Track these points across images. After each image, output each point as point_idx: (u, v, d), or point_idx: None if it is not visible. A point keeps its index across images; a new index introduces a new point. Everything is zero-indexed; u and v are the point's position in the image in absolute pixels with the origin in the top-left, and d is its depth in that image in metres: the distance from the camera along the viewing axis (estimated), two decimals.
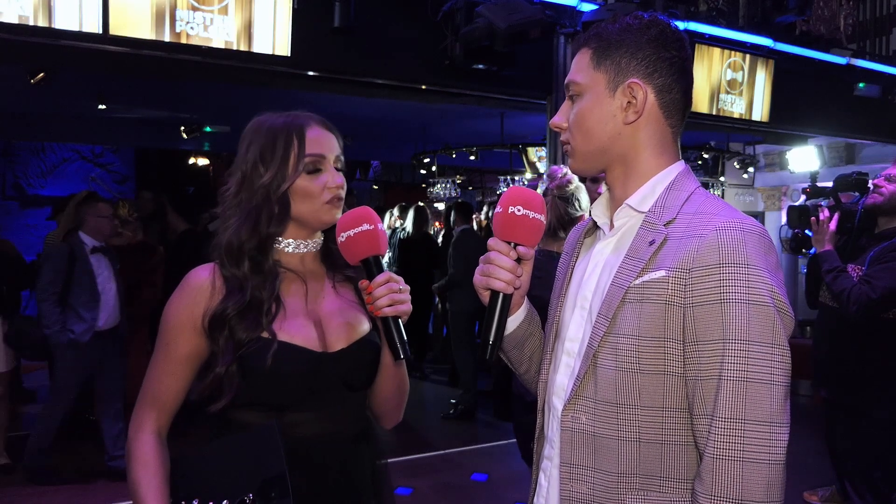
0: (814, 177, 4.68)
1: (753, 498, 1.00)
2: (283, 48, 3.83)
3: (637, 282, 1.10)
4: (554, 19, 4.34)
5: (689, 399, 1.08)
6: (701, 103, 5.28)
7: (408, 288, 1.28)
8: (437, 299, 7.54)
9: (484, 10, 3.88)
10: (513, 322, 1.30)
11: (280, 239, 1.38)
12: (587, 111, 1.19)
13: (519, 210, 1.18)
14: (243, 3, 3.69)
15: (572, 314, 1.24)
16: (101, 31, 3.40)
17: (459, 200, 8.10)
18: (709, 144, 8.62)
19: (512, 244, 1.20)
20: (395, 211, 8.34)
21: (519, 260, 1.21)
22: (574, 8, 4.43)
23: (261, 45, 3.77)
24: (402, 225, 7.64)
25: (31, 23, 3.28)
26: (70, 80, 5.45)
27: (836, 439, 3.29)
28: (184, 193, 10.73)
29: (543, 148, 7.29)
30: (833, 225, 3.23)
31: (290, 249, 1.40)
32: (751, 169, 8.52)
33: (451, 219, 6.86)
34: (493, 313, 1.20)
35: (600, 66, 1.18)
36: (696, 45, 5.12)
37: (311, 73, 4.26)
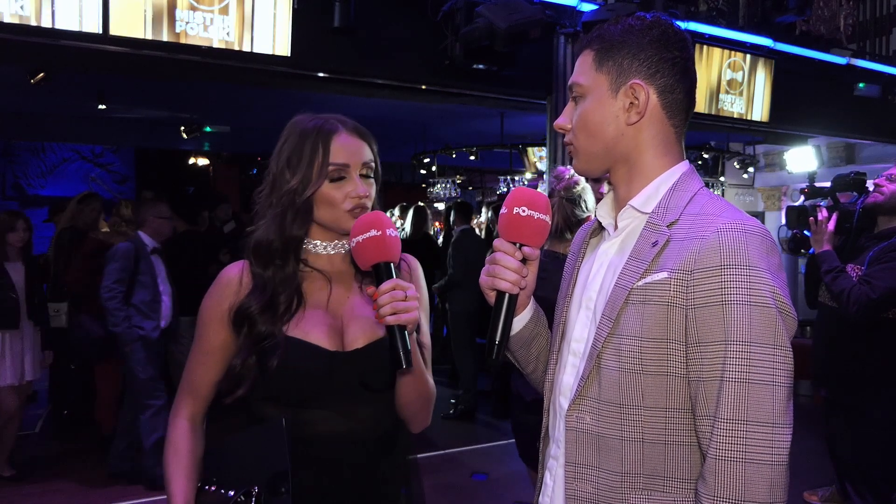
0: (812, 177, 4.67)
1: (756, 499, 1.00)
2: (283, 48, 3.83)
3: (640, 283, 1.10)
4: (554, 19, 4.35)
5: (692, 400, 1.08)
6: (700, 103, 5.29)
7: (416, 296, 1.26)
8: (437, 299, 7.54)
9: (484, 10, 3.88)
10: (519, 322, 1.31)
11: (309, 240, 1.42)
12: (590, 112, 1.19)
13: (524, 211, 1.18)
14: (243, 3, 3.69)
15: (578, 314, 1.24)
16: (101, 31, 3.39)
17: (459, 200, 8.09)
18: (709, 144, 8.63)
19: (517, 244, 1.20)
20: (395, 211, 8.35)
21: (524, 260, 1.21)
22: (574, 8, 4.43)
23: (261, 45, 3.76)
24: (401, 225, 7.64)
25: (31, 23, 3.27)
26: (70, 80, 5.45)
27: (836, 439, 3.28)
28: (184, 193, 10.74)
29: (543, 148, 7.29)
30: (831, 225, 3.22)
31: (318, 250, 1.43)
32: (751, 169, 8.52)
33: (451, 219, 6.86)
34: (500, 313, 1.20)
35: (602, 67, 1.19)
36: (696, 45, 5.12)
37: (310, 73, 4.26)
